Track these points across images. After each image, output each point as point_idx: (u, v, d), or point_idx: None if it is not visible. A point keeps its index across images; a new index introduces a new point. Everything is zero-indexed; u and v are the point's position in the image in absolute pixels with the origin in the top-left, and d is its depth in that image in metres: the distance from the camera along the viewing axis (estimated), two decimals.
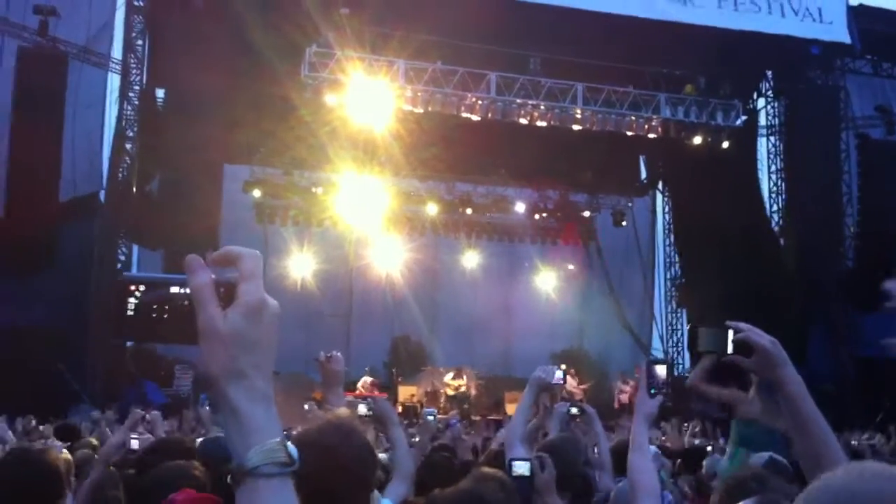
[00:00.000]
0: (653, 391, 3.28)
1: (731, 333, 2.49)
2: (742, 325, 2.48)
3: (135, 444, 5.80)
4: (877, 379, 18.56)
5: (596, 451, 5.21)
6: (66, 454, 5.65)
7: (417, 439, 5.66)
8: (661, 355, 24.92)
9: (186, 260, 1.37)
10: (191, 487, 3.19)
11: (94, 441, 7.01)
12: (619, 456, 5.46)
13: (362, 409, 4.46)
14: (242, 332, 1.35)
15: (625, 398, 19.58)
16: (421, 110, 19.17)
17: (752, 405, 3.04)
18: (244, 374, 1.35)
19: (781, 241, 21.94)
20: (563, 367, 5.09)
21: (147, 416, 10.14)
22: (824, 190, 20.85)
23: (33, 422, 10.84)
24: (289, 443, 1.37)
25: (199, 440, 5.60)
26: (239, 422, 1.35)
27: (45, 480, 3.42)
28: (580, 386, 19.43)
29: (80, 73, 19.11)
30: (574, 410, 5.67)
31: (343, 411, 3.07)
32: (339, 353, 4.17)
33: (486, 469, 3.67)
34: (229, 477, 1.35)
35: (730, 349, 2.48)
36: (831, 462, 2.28)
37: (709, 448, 7.26)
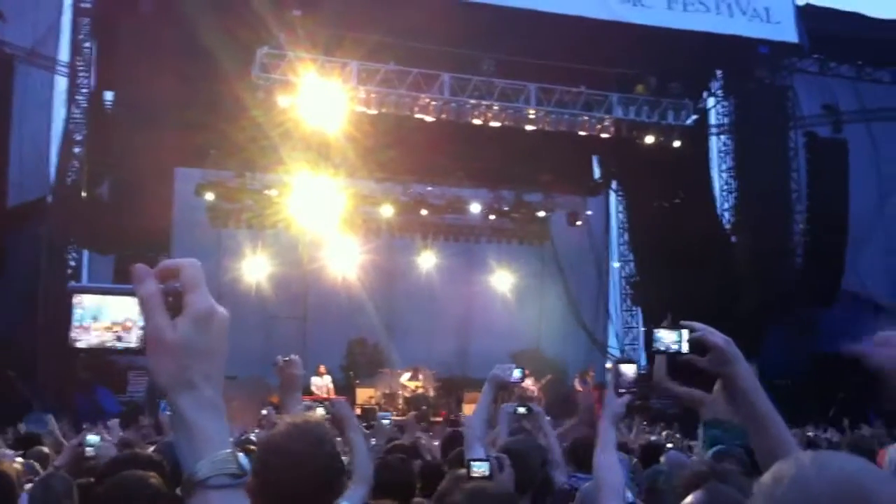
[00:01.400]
0: (621, 391, 3.31)
1: (685, 333, 2.51)
2: (696, 324, 2.51)
3: (90, 450, 5.71)
4: (831, 374, 18.87)
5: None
6: (18, 462, 5.55)
7: (373, 442, 5.64)
8: (620, 354, 25.15)
9: (133, 269, 1.36)
10: (148, 496, 3.14)
11: (46, 450, 6.88)
12: (575, 453, 5.50)
13: (320, 412, 4.42)
14: (192, 342, 1.34)
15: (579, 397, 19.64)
16: (374, 111, 19.13)
17: (716, 405, 3.07)
18: (193, 385, 1.33)
19: (733, 239, 22.24)
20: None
21: (108, 424, 10.06)
22: (774, 188, 21.21)
23: None
24: (240, 453, 1.34)
25: (157, 444, 5.54)
26: (188, 432, 1.33)
27: None
28: (536, 385, 19.46)
29: (27, 76, 18.78)
30: (521, 409, 5.70)
31: (305, 415, 3.04)
32: (296, 357, 4.15)
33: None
34: (179, 488, 1.32)
35: (685, 348, 2.50)
36: (786, 455, 2.31)
37: (669, 445, 7.33)
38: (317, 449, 2.50)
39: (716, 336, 2.46)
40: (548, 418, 6.37)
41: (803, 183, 21.81)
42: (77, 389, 17.46)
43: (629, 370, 3.32)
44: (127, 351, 1.53)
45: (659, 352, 2.58)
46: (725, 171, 22.85)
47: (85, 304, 1.54)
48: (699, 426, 4.52)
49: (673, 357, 2.56)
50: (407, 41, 18.35)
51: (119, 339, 1.54)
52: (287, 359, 4.08)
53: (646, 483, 3.92)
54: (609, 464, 3.29)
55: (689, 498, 2.40)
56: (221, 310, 1.38)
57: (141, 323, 1.38)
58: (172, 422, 1.34)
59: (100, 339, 1.55)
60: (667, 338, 2.54)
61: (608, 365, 24.39)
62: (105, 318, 1.53)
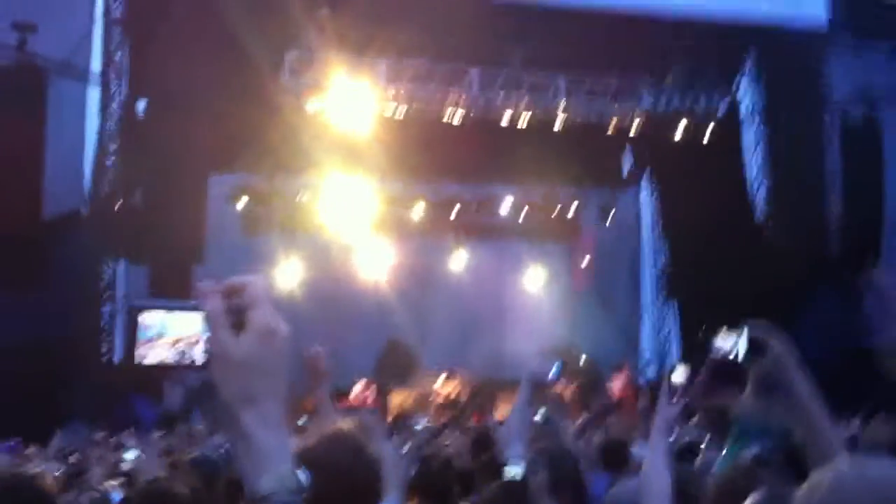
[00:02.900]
0: (674, 398, 3.37)
1: (742, 339, 2.48)
2: (754, 328, 2.48)
3: (126, 465, 5.77)
4: (864, 367, 18.54)
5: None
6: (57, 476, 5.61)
7: (406, 448, 5.62)
8: (654, 351, 24.95)
9: (198, 287, 1.45)
10: None
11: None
12: (606, 453, 5.48)
13: (349, 420, 4.43)
14: (255, 358, 1.40)
15: (615, 392, 19.45)
16: (404, 106, 19.18)
17: (746, 401, 3.04)
18: (256, 400, 1.38)
19: (768, 225, 21.96)
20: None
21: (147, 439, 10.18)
22: (807, 173, 21.00)
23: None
24: (299, 469, 1.40)
25: (191, 456, 5.56)
26: (251, 448, 1.37)
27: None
28: (567, 388, 19.17)
29: (59, 88, 18.98)
30: (537, 418, 5.69)
31: (339, 424, 3.05)
32: (322, 350, 4.19)
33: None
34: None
35: (742, 355, 2.47)
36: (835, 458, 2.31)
37: (702, 446, 7.21)
38: (356, 459, 2.53)
39: (772, 341, 2.44)
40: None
41: (837, 167, 21.52)
42: (114, 399, 17.59)
43: (681, 376, 3.38)
44: (191, 367, 1.59)
45: (716, 359, 2.55)
46: (758, 158, 22.56)
47: (148, 322, 1.60)
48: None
49: (728, 364, 2.52)
50: (436, 38, 18.35)
51: (183, 354, 1.60)
52: (314, 351, 4.14)
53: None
54: (659, 471, 3.35)
55: (749, 500, 2.42)
56: (284, 326, 1.45)
57: (206, 338, 1.43)
58: (233, 437, 1.39)
59: (165, 354, 1.62)
60: (723, 344, 2.50)
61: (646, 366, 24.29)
62: (170, 334, 1.60)
